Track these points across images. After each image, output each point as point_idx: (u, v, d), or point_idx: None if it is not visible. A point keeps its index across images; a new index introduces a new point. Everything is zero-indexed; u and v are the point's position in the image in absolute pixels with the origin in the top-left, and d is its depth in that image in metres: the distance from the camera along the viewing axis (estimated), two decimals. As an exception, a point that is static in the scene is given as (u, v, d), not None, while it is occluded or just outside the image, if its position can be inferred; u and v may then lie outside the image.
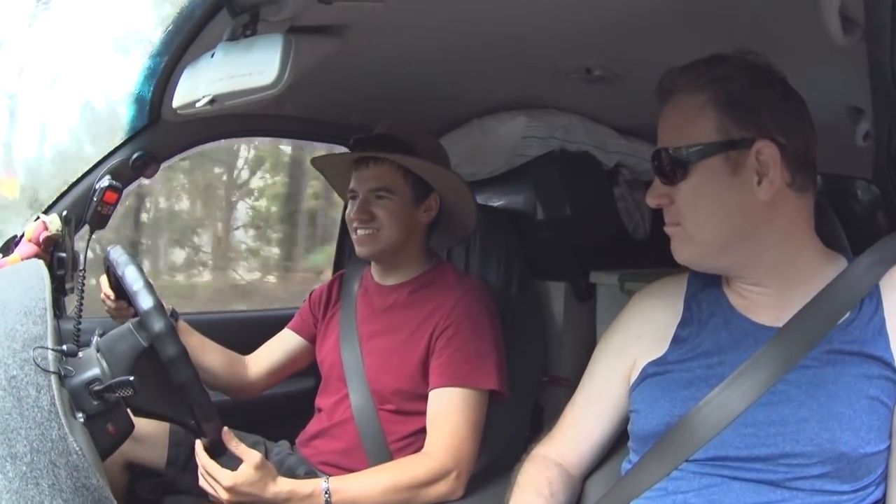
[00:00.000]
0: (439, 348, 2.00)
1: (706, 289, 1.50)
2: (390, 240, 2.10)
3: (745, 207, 1.33)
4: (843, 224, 1.53)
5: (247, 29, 1.47)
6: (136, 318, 1.56)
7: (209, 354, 2.22)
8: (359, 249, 2.13)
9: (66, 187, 2.25)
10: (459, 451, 1.90)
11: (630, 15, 1.67)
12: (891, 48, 1.31)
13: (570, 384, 1.65)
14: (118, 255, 1.69)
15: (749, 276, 1.40)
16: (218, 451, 1.71)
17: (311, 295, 2.43)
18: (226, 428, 1.71)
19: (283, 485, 1.75)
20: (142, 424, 1.69)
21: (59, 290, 2.05)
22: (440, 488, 1.87)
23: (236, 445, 1.72)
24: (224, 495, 1.70)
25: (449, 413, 1.94)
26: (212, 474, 1.70)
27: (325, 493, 1.77)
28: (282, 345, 2.37)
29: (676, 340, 1.48)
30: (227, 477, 1.69)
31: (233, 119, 2.47)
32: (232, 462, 1.71)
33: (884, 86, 1.40)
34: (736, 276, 1.43)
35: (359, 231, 2.10)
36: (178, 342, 1.53)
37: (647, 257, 2.42)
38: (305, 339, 2.35)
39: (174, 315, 2.05)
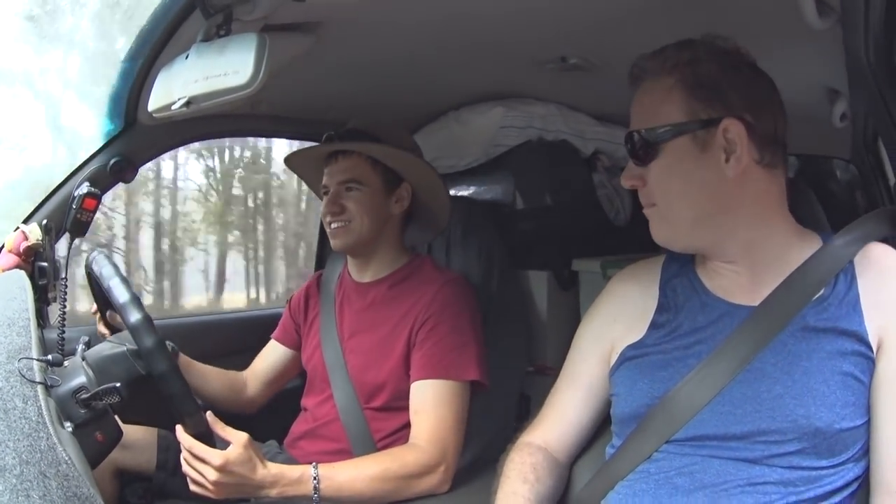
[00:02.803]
0: (420, 341, 2.01)
1: (680, 274, 1.52)
2: (362, 230, 2.10)
3: (714, 184, 1.35)
4: (823, 203, 1.55)
5: (221, 29, 1.47)
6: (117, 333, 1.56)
7: (212, 382, 2.23)
8: (333, 242, 2.14)
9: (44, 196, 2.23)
10: (445, 444, 1.91)
11: (604, 3, 1.68)
12: (865, 32, 1.33)
13: (555, 373, 1.66)
14: (101, 265, 1.66)
15: (723, 255, 1.43)
16: (204, 441, 1.69)
17: (289, 302, 2.43)
18: (209, 412, 1.68)
19: (271, 468, 1.72)
20: (130, 431, 1.69)
21: (41, 300, 2.04)
22: (428, 481, 1.87)
23: (222, 428, 1.69)
24: (213, 476, 1.64)
25: (433, 405, 1.95)
26: (199, 456, 1.65)
27: (314, 479, 1.75)
28: (271, 357, 2.39)
29: (654, 325, 1.50)
30: (217, 456, 1.64)
31: (209, 120, 2.46)
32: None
33: (859, 69, 1.41)
34: (711, 254, 1.45)
35: (332, 224, 2.11)
36: (158, 338, 1.52)
37: (629, 243, 2.42)
38: (290, 348, 2.36)
39: (174, 350, 2.05)
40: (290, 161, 2.28)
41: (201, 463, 1.65)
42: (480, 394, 2.05)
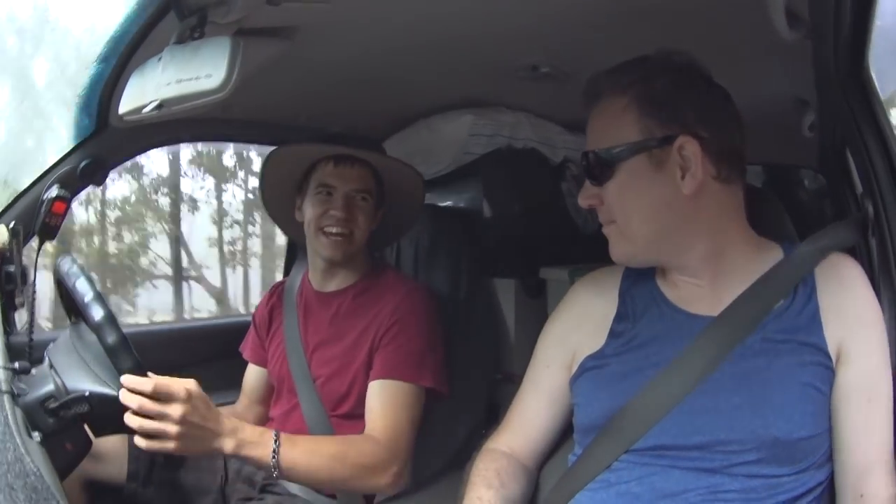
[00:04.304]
0: (382, 346, 2.02)
1: (640, 283, 1.53)
2: (360, 243, 2.11)
3: (671, 202, 1.37)
4: (791, 213, 1.57)
5: (195, 32, 1.45)
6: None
7: None
8: (330, 252, 2.10)
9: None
10: (398, 444, 1.91)
11: (575, 12, 1.69)
12: (834, 43, 1.35)
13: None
14: (77, 284, 1.58)
15: (683, 268, 1.44)
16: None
17: (254, 319, 2.41)
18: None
19: (232, 420, 1.68)
20: (99, 440, 1.65)
21: (8, 306, 2.00)
22: (378, 479, 1.87)
23: (168, 380, 1.56)
24: (179, 411, 1.53)
25: (388, 405, 1.95)
26: (164, 393, 1.52)
27: (275, 441, 1.71)
28: (252, 379, 2.38)
29: (613, 334, 1.51)
30: (180, 388, 1.54)
31: (181, 124, 2.43)
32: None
33: (828, 80, 1.44)
34: (671, 267, 1.46)
35: (333, 230, 2.07)
36: (136, 359, 1.47)
37: (597, 252, 2.43)
38: (264, 367, 2.34)
39: None
40: (285, 152, 2.18)
41: (164, 405, 1.52)
42: (447, 401, 2.06)
